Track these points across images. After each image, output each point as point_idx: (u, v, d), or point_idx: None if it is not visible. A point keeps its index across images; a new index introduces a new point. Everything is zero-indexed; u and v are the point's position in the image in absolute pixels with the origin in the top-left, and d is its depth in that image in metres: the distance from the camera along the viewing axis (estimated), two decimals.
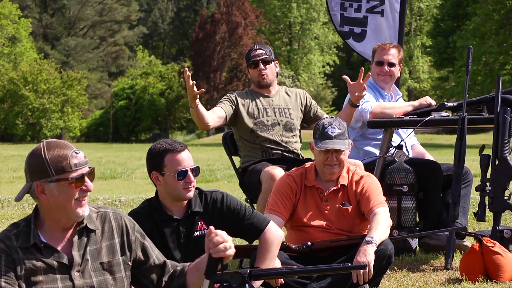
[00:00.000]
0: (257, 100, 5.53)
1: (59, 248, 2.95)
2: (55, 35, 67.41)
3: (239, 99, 5.49)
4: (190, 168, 3.78)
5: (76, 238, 2.99)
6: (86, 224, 3.02)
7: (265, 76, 5.52)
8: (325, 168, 4.42)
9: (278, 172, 5.01)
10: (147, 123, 54.76)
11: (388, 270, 4.64)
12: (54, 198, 2.93)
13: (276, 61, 5.60)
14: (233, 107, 5.44)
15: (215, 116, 5.31)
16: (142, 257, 3.16)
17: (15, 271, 2.87)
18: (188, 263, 3.23)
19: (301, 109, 5.61)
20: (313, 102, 5.71)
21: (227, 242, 2.92)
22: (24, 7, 63.80)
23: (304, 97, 5.67)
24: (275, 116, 5.49)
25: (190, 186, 3.80)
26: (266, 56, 5.52)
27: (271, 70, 5.54)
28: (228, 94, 5.56)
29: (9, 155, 24.39)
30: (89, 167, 3.00)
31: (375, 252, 4.00)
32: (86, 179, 2.96)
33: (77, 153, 2.95)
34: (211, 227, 2.95)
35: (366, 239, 4.03)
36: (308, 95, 5.74)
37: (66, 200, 2.93)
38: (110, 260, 3.04)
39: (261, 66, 5.51)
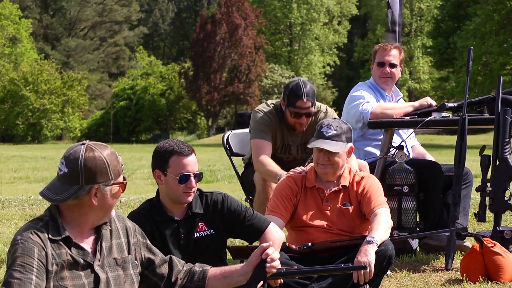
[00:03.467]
0: (284, 134, 5.27)
1: (83, 245, 2.96)
2: (56, 35, 67.42)
3: (271, 124, 5.19)
4: (193, 174, 3.75)
5: (95, 235, 3.01)
6: (105, 222, 3.05)
7: (303, 127, 5.22)
8: (318, 167, 4.44)
9: None
10: (147, 123, 54.75)
11: (388, 271, 4.64)
12: (105, 201, 2.95)
13: (315, 107, 5.20)
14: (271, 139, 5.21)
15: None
16: (149, 256, 3.19)
17: (47, 266, 2.83)
18: (209, 267, 3.26)
19: None
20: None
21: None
22: (25, 7, 63.81)
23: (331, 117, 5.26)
24: (297, 153, 5.35)
25: (190, 191, 3.78)
26: (311, 109, 5.12)
27: (308, 121, 5.20)
28: (265, 118, 5.19)
29: (10, 156, 24.38)
30: None
31: (376, 253, 3.99)
32: None
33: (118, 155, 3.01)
34: (270, 243, 3.14)
35: (367, 239, 4.02)
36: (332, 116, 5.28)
37: (114, 203, 2.98)
38: (123, 257, 3.07)
39: (304, 119, 5.16)
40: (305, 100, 5.07)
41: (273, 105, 5.30)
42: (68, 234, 2.91)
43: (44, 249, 2.84)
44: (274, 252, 3.14)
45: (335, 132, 4.35)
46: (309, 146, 4.42)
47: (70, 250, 2.91)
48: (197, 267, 3.26)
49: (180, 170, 3.73)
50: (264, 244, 3.15)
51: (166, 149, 3.76)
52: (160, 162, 3.78)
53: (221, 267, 3.26)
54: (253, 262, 3.15)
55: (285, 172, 4.79)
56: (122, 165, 3.00)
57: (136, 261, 3.12)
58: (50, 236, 2.87)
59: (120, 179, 2.98)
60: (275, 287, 3.96)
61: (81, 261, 2.92)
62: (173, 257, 3.27)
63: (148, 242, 3.23)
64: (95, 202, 2.93)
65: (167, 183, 3.77)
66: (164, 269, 3.21)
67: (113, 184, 2.94)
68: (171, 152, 3.74)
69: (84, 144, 2.95)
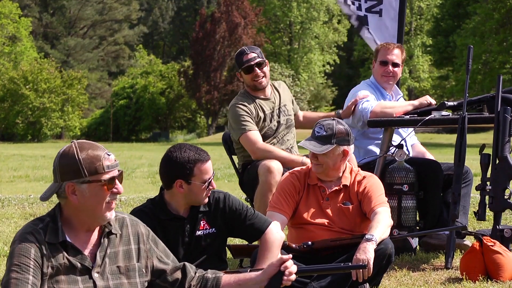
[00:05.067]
0: (261, 105, 5.42)
1: (82, 249, 2.94)
2: (55, 34, 67.41)
3: (251, 110, 5.35)
4: (212, 175, 3.83)
5: (100, 240, 2.99)
6: (111, 228, 3.02)
7: (261, 80, 5.40)
8: (312, 166, 4.49)
9: (274, 164, 5.02)
10: (147, 122, 54.77)
11: (388, 269, 4.64)
12: (85, 200, 2.91)
13: (266, 61, 5.50)
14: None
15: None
16: (160, 265, 3.14)
17: (42, 268, 2.83)
18: (222, 273, 3.23)
19: (292, 100, 5.68)
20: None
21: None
22: (24, 6, 63.78)
23: (288, 89, 5.70)
24: (279, 117, 5.45)
25: (209, 192, 3.85)
26: (259, 59, 5.38)
27: (265, 73, 5.42)
28: (243, 108, 5.32)
29: (10, 155, 24.40)
30: (118, 170, 2.97)
31: (375, 251, 4.00)
32: (117, 181, 2.95)
33: (108, 154, 2.93)
34: (290, 255, 3.15)
35: (366, 237, 4.03)
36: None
37: (97, 203, 2.92)
38: (127, 265, 3.03)
39: (257, 70, 5.37)
40: (248, 52, 5.38)
41: (239, 95, 5.49)
42: (66, 237, 2.90)
43: (40, 250, 2.84)
44: (292, 266, 3.11)
45: (324, 133, 4.39)
46: (299, 144, 4.50)
47: (68, 254, 2.89)
48: (210, 273, 3.22)
49: (205, 176, 3.77)
50: (284, 256, 3.13)
51: (188, 159, 3.75)
52: (183, 172, 3.76)
53: (234, 274, 3.23)
54: (270, 272, 3.12)
55: (305, 157, 5.08)
56: (110, 163, 2.92)
57: (143, 270, 3.07)
58: (47, 239, 2.87)
59: (99, 178, 2.90)
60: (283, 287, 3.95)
61: (78, 265, 2.90)
62: (187, 264, 3.24)
63: (160, 247, 3.19)
64: (74, 201, 2.90)
65: (191, 190, 3.78)
66: (176, 276, 3.17)
67: (90, 182, 2.89)
68: (194, 161, 3.75)
69: (72, 142, 2.95)
